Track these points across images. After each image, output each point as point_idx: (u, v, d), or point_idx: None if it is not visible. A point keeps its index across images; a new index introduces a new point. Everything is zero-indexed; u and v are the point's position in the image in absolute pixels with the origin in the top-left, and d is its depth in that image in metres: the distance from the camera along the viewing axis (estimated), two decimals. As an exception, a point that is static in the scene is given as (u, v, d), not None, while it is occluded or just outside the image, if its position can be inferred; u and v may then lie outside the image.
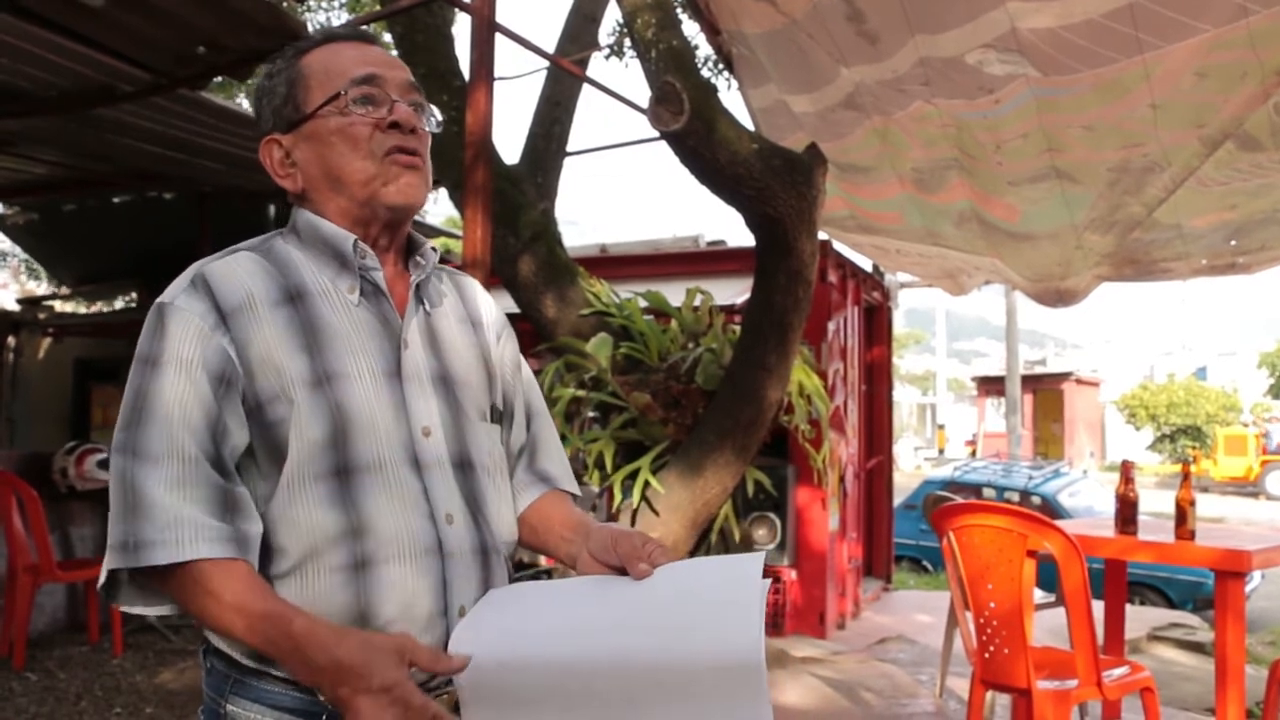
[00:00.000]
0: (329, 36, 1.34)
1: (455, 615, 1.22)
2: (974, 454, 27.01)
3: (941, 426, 36.60)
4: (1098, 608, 3.64)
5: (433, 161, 1.34)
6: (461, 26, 7.32)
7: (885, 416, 8.04)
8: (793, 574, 6.12)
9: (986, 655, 3.32)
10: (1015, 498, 9.36)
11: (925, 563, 10.00)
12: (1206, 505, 16.15)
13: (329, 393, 1.20)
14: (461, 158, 3.48)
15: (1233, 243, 4.83)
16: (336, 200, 1.29)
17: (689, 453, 4.02)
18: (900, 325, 22.58)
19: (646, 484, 4.03)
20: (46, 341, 8.69)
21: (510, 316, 1.56)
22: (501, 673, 1.10)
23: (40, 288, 14.45)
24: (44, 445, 6.61)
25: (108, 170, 6.17)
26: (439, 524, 1.24)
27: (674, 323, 4.70)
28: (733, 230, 6.83)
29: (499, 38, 3.60)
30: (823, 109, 4.22)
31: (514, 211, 4.65)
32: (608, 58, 8.41)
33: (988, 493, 9.61)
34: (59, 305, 10.17)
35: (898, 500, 8.92)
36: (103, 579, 1.17)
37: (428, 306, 1.35)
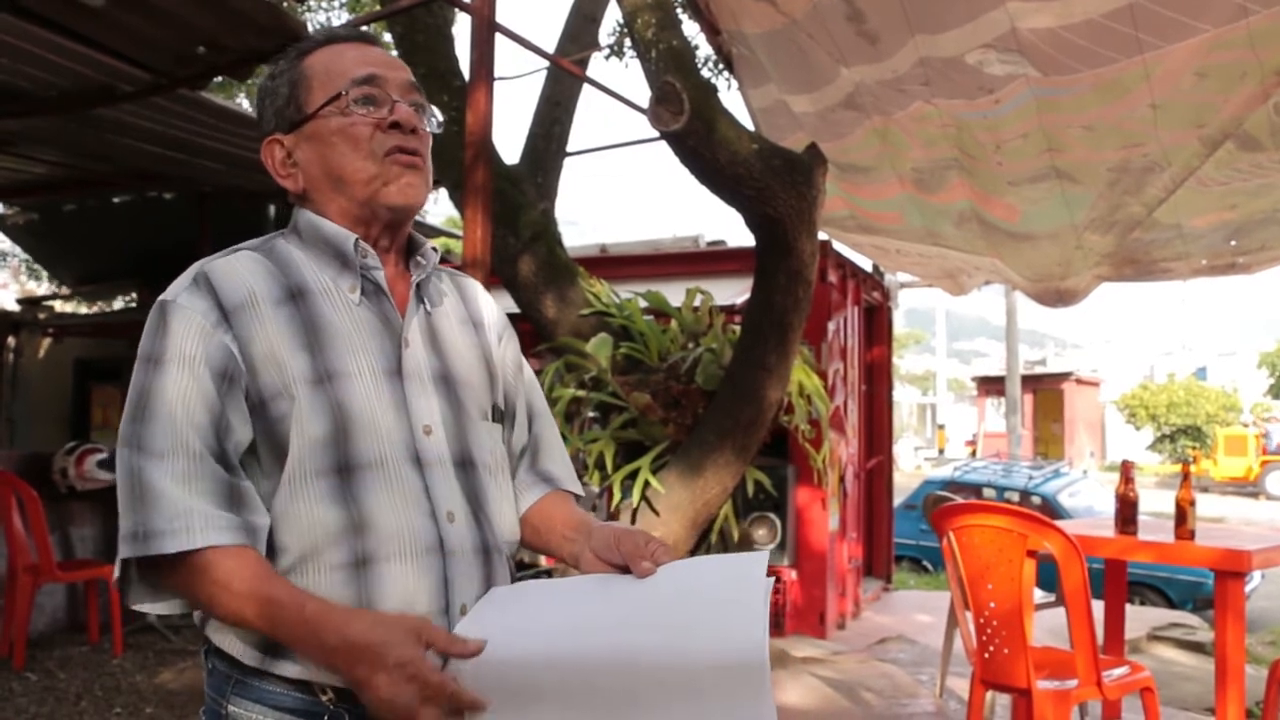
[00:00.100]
0: (331, 38, 1.35)
1: (456, 614, 1.22)
2: (974, 454, 27.02)
3: (941, 426, 36.60)
4: (1098, 608, 3.64)
5: (433, 161, 1.35)
6: (461, 26, 7.32)
7: (885, 416, 8.04)
8: (793, 574, 6.12)
9: (986, 655, 3.32)
10: (1015, 498, 9.36)
11: (925, 563, 10.00)
12: (1206, 505, 16.15)
13: (330, 390, 1.21)
14: (461, 158, 3.48)
15: (1233, 243, 4.83)
16: (337, 200, 1.30)
17: (689, 453, 4.02)
18: (900, 325, 22.58)
19: (646, 484, 4.03)
20: (46, 342, 8.69)
21: (510, 317, 1.57)
22: (504, 671, 1.10)
23: (40, 288, 14.45)
24: (44, 445, 6.61)
25: (108, 170, 6.17)
26: (440, 522, 1.24)
27: (674, 323, 4.70)
28: (733, 230, 6.83)
29: (499, 38, 3.60)
30: (823, 109, 4.22)
31: (514, 211, 4.65)
32: (608, 58, 8.41)
33: (988, 493, 9.62)
34: (59, 305, 10.17)
35: (898, 500, 8.92)
36: (118, 571, 1.17)
37: (428, 306, 1.35)
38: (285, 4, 6.07)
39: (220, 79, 4.48)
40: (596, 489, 4.32)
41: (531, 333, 4.56)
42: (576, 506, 1.44)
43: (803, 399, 4.70)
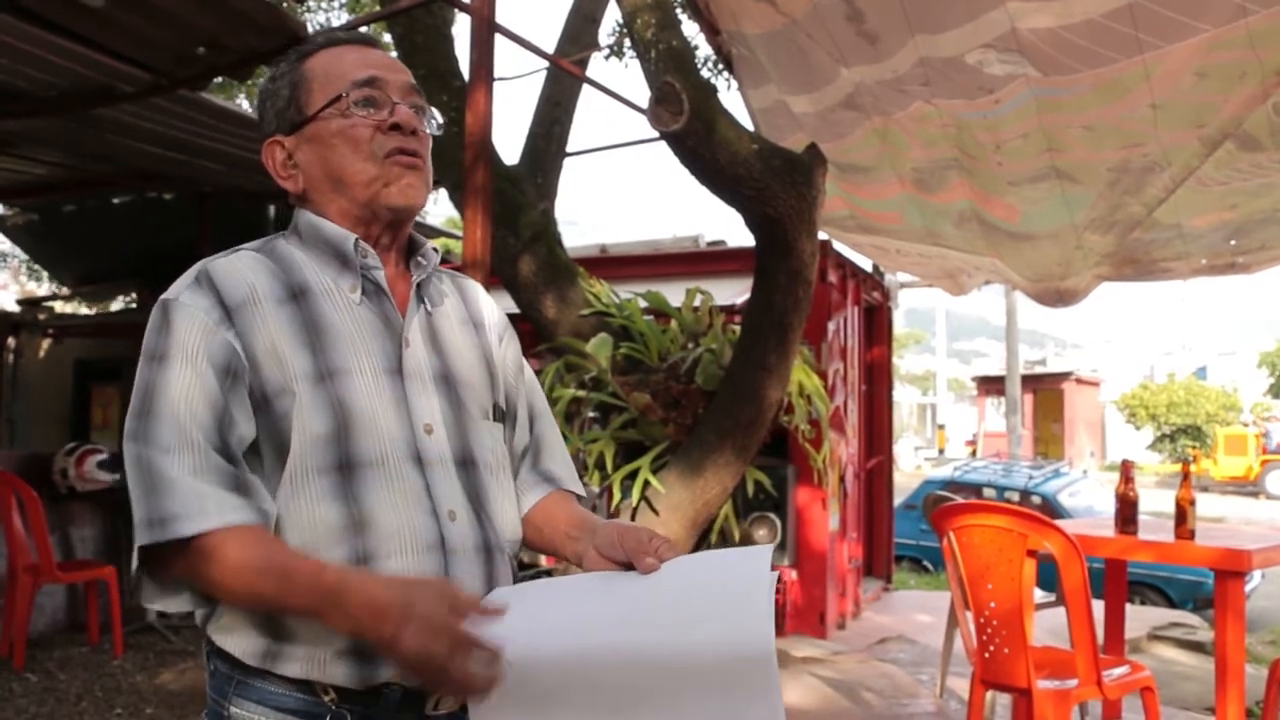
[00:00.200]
0: (331, 40, 1.35)
1: None
2: (974, 454, 27.01)
3: (941, 426, 36.60)
4: (1098, 607, 3.64)
5: (433, 162, 1.35)
6: (461, 27, 7.32)
7: (885, 416, 8.05)
8: (793, 574, 6.12)
9: (987, 655, 3.32)
10: (1015, 498, 9.36)
11: (925, 563, 10.00)
12: (1206, 505, 16.15)
13: (330, 388, 1.21)
14: (461, 158, 3.48)
15: (1232, 242, 4.83)
16: (338, 201, 1.30)
17: (689, 453, 4.02)
18: (900, 325, 22.57)
19: (646, 484, 4.03)
20: (47, 342, 8.69)
21: (510, 317, 1.57)
22: (511, 670, 1.10)
23: (40, 288, 14.45)
24: (44, 446, 6.61)
25: (108, 171, 6.17)
26: (441, 520, 1.24)
27: (674, 323, 4.70)
28: (732, 230, 6.84)
29: (499, 38, 3.60)
30: (823, 109, 4.22)
31: (514, 212, 4.65)
32: (607, 58, 8.41)
33: (988, 493, 9.62)
34: (59, 306, 10.17)
35: (898, 500, 8.92)
36: (136, 562, 1.16)
37: (429, 306, 1.36)
38: (285, 4, 6.08)
39: (220, 79, 4.48)
40: (596, 489, 4.32)
41: (531, 333, 4.57)
42: (579, 505, 1.44)
43: (803, 399, 4.70)
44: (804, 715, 4.46)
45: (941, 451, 33.63)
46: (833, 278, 6.44)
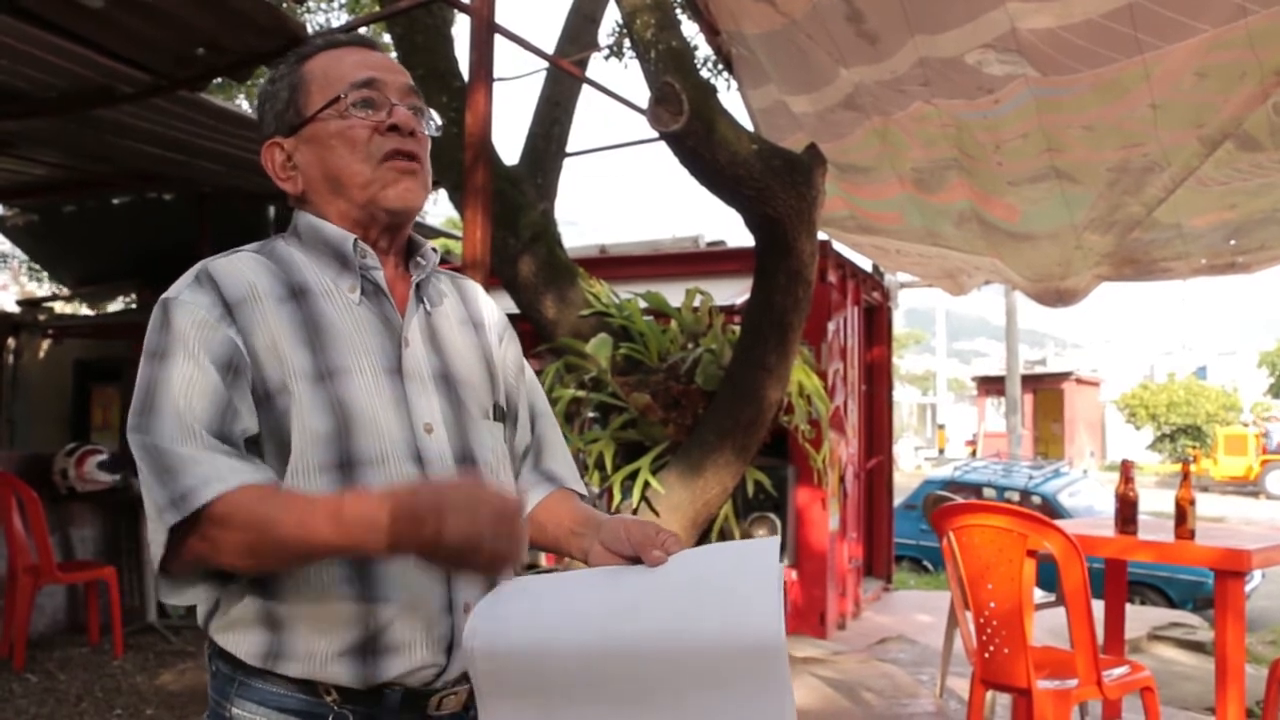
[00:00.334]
0: (331, 42, 1.36)
1: (460, 611, 1.22)
2: (974, 454, 27.00)
3: (941, 426, 36.60)
4: (1098, 607, 3.64)
5: (432, 163, 1.35)
6: (461, 27, 7.32)
7: (885, 416, 8.05)
8: (793, 574, 6.12)
9: (987, 655, 3.32)
10: (1015, 497, 9.36)
11: (925, 563, 10.00)
12: (1207, 505, 16.14)
13: (330, 388, 1.21)
14: (461, 159, 3.48)
15: (1232, 242, 4.83)
16: (336, 203, 1.30)
17: (689, 453, 4.02)
18: (900, 325, 22.56)
19: (646, 484, 4.03)
20: (46, 343, 8.69)
21: (510, 317, 1.57)
22: (517, 662, 1.10)
23: (40, 289, 14.45)
24: (44, 446, 6.61)
25: (107, 171, 6.17)
26: None
27: (674, 323, 4.70)
28: (732, 230, 6.83)
29: (498, 38, 3.60)
30: (822, 109, 4.22)
31: (514, 212, 4.65)
32: (607, 58, 8.41)
33: (988, 493, 9.62)
34: (59, 307, 10.16)
35: (898, 500, 8.92)
36: (162, 551, 1.14)
37: (428, 306, 1.36)
38: (285, 5, 6.08)
39: (220, 80, 4.48)
40: (597, 490, 4.32)
41: (531, 333, 4.57)
42: (582, 503, 1.44)
43: (803, 399, 4.70)
44: (804, 715, 4.46)
45: (941, 451, 33.63)
46: (832, 278, 6.44)
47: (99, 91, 4.26)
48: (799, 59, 3.94)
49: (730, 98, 4.50)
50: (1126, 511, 3.90)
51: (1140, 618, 6.66)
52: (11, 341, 8.48)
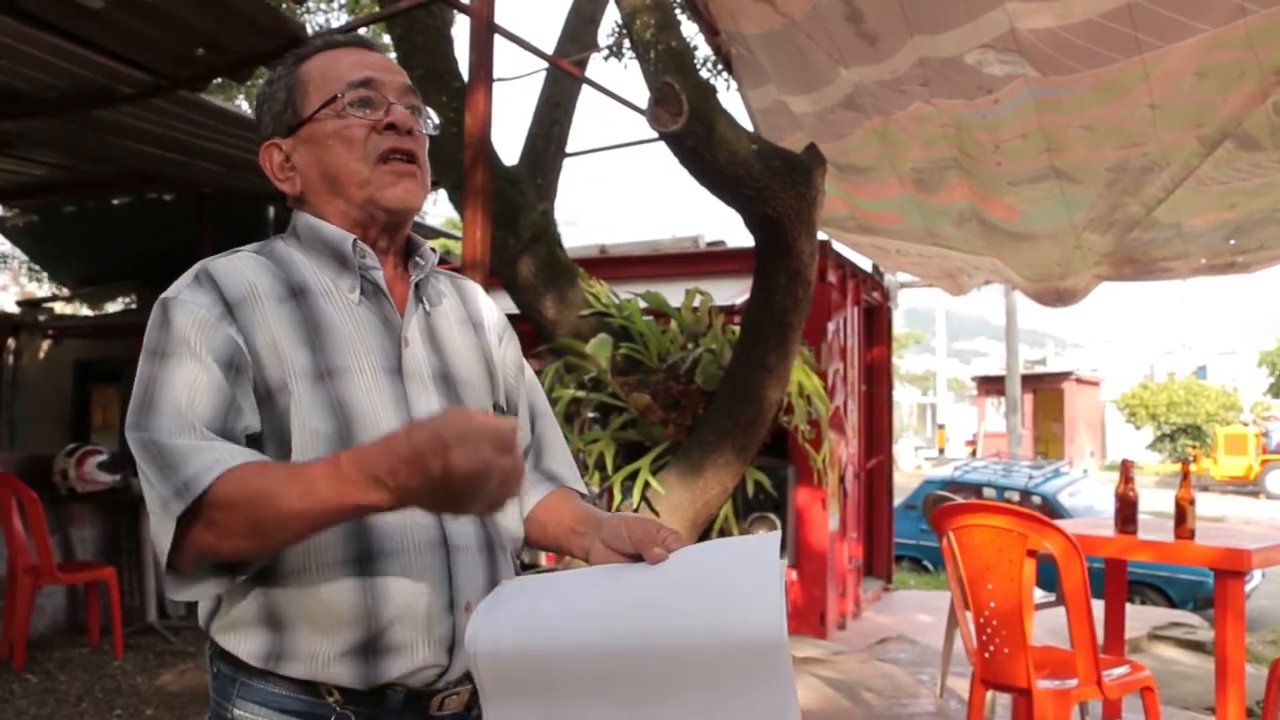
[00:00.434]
0: (328, 43, 1.36)
1: (461, 610, 1.22)
2: (974, 454, 27.01)
3: (941, 426, 36.60)
4: (1098, 607, 3.64)
5: (432, 163, 1.35)
6: (460, 28, 7.33)
7: (885, 416, 8.05)
8: (793, 574, 6.12)
9: (987, 655, 3.32)
10: (1015, 497, 9.36)
11: (925, 563, 10.00)
12: (1207, 504, 16.14)
13: (330, 387, 1.21)
14: (461, 159, 3.48)
15: (1232, 242, 4.84)
16: (335, 203, 1.30)
17: (689, 453, 4.02)
18: (900, 325, 22.55)
19: (646, 484, 4.03)
20: (46, 343, 8.69)
21: (510, 318, 1.57)
22: (519, 662, 1.10)
23: (40, 290, 14.45)
24: (44, 447, 6.61)
25: (107, 172, 6.17)
26: (443, 518, 1.24)
27: (674, 323, 4.70)
28: (732, 231, 6.83)
29: (498, 39, 3.60)
30: (822, 109, 4.22)
31: (513, 213, 4.65)
32: (607, 59, 8.41)
33: (988, 492, 9.62)
34: (59, 307, 10.16)
35: (898, 500, 8.92)
36: (169, 543, 1.12)
37: (427, 306, 1.36)
38: (284, 5, 6.08)
39: (220, 81, 4.48)
40: (597, 490, 4.32)
41: (531, 333, 4.57)
42: (582, 502, 1.44)
43: (802, 399, 4.70)
44: (804, 715, 4.44)
45: (941, 451, 33.63)
46: (832, 278, 6.44)
47: (99, 92, 4.26)
48: (799, 59, 3.94)
49: (730, 98, 4.51)
50: (1126, 511, 3.90)
51: (1140, 617, 6.66)
52: (11, 342, 8.48)
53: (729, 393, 3.97)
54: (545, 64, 5.78)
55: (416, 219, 1.38)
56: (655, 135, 3.54)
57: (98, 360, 8.43)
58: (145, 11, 3.47)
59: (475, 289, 1.49)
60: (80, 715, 4.42)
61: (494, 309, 1.49)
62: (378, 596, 1.18)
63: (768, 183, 3.49)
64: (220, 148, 5.35)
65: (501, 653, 1.11)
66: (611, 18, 7.71)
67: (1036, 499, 9.25)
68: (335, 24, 10.76)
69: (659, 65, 3.51)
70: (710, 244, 7.58)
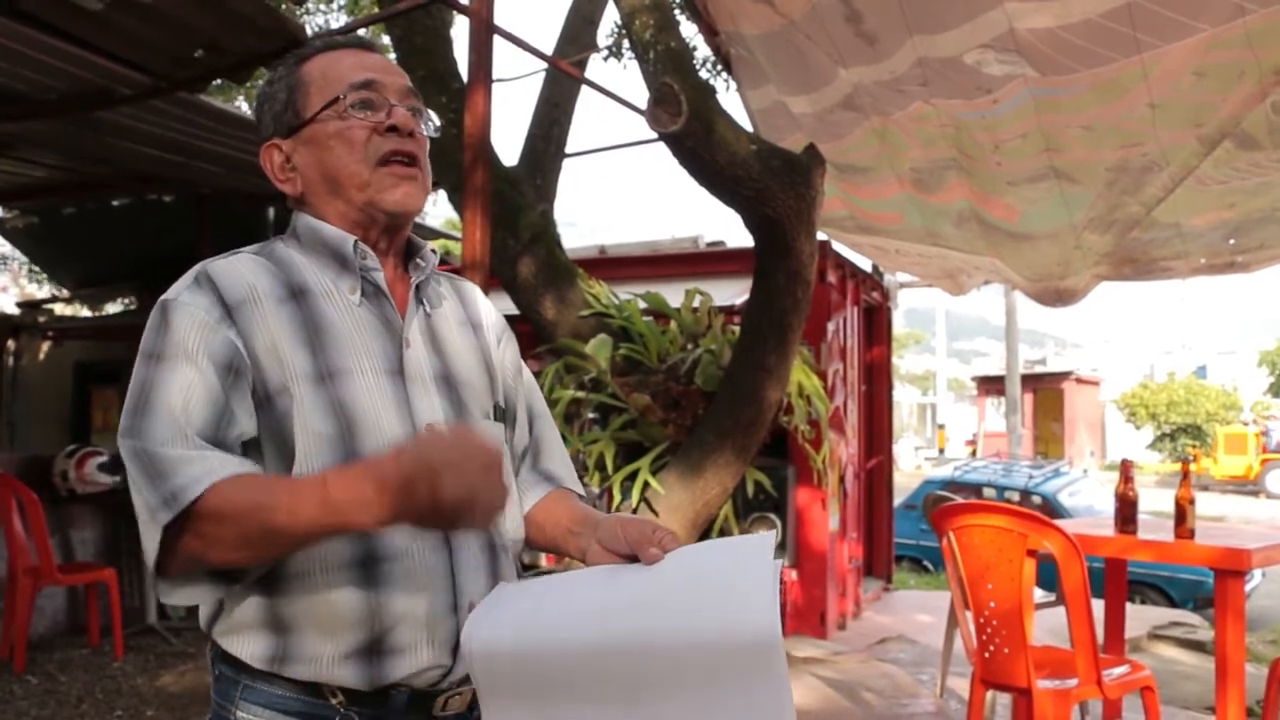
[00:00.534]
0: (329, 44, 1.35)
1: (464, 611, 1.22)
2: (974, 454, 27.01)
3: (941, 426, 36.59)
4: (1098, 607, 3.64)
5: (431, 164, 1.35)
6: (460, 29, 7.33)
7: (885, 416, 8.05)
8: (793, 574, 6.12)
9: (987, 655, 3.32)
10: (1015, 497, 9.36)
11: (926, 563, 10.00)
12: (1207, 504, 16.14)
13: (331, 389, 1.21)
14: (460, 160, 3.48)
15: (1231, 241, 4.84)
16: (335, 204, 1.30)
17: (689, 453, 4.02)
18: (900, 325, 22.55)
19: (646, 485, 4.04)
20: (46, 345, 8.70)
21: (509, 318, 1.57)
22: (517, 662, 1.10)
23: (40, 291, 14.44)
24: (44, 448, 6.61)
25: (107, 173, 6.17)
26: None
27: (673, 324, 4.71)
28: (732, 231, 6.83)
29: (497, 40, 3.60)
30: (821, 110, 4.22)
31: (513, 213, 4.65)
32: (606, 59, 8.42)
33: (988, 492, 9.62)
34: (59, 309, 10.17)
35: (898, 500, 8.92)
36: (156, 552, 1.12)
37: (428, 308, 1.36)
38: (284, 6, 6.08)
39: (219, 82, 4.48)
40: (597, 490, 4.32)
41: (531, 334, 4.57)
42: (580, 502, 1.44)
43: (802, 399, 4.70)
44: (804, 715, 4.46)
45: (941, 451, 33.62)
46: (832, 278, 6.44)
47: (98, 93, 4.26)
48: (798, 59, 3.94)
49: (729, 98, 4.52)
50: (1126, 511, 3.90)
51: (1140, 617, 6.66)
52: (11, 343, 8.48)
53: (729, 393, 3.98)
54: (544, 65, 5.78)
55: (416, 220, 1.38)
56: (655, 136, 3.54)
57: (98, 362, 8.44)
58: (144, 13, 3.46)
59: (474, 290, 1.49)
60: (81, 716, 4.42)
61: (492, 310, 1.50)
62: (381, 598, 1.18)
63: (767, 183, 3.49)
64: (220, 149, 5.35)
65: (498, 654, 1.11)
66: (611, 18, 7.72)
67: (1036, 499, 9.25)
68: (335, 25, 10.77)
69: (658, 66, 3.52)
70: (710, 244, 7.58)
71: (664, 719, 1.07)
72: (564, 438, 1.69)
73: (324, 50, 1.34)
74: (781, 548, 6.10)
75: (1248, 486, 23.43)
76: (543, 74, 6.94)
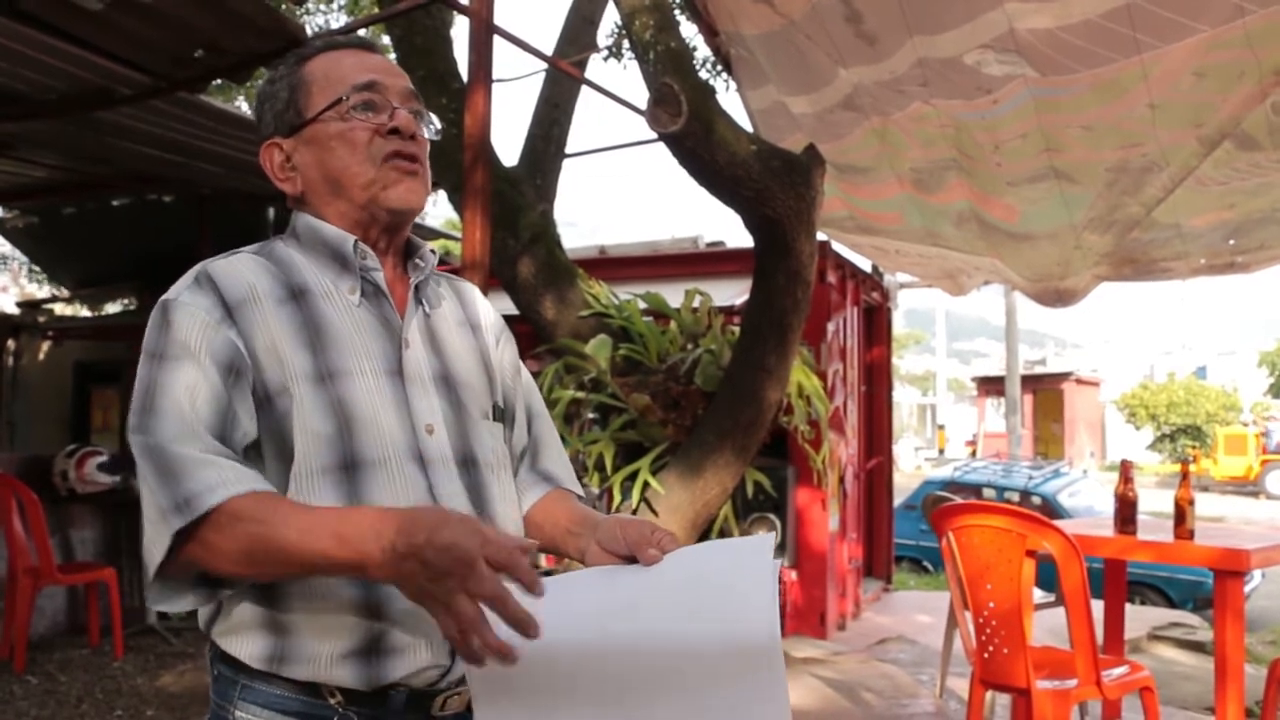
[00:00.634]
0: (331, 44, 1.35)
1: None
2: (974, 454, 27.01)
3: (941, 427, 36.59)
4: (1097, 607, 3.64)
5: (431, 164, 1.36)
6: (460, 29, 7.33)
7: (885, 417, 8.05)
8: (793, 574, 6.12)
9: (986, 655, 3.32)
10: (1015, 498, 9.36)
11: (925, 563, 10.00)
12: (1207, 504, 16.15)
13: (331, 389, 1.21)
14: (460, 160, 3.48)
15: (1231, 242, 4.84)
16: (336, 204, 1.30)
17: (688, 454, 4.02)
18: (900, 325, 22.56)
19: (646, 485, 4.04)
20: (46, 345, 8.70)
21: (509, 318, 1.57)
22: (516, 665, 1.10)
23: (40, 291, 14.44)
24: (44, 448, 6.61)
25: (107, 173, 6.17)
26: None
27: (673, 324, 4.71)
28: (731, 231, 6.84)
29: (497, 40, 3.60)
30: (821, 110, 4.22)
31: (513, 213, 4.65)
32: (606, 59, 8.42)
33: (988, 493, 9.62)
34: (59, 308, 10.17)
35: (898, 500, 8.92)
36: (163, 555, 1.11)
37: (427, 308, 1.36)
38: (284, 6, 6.08)
39: (219, 82, 4.48)
40: (596, 491, 4.32)
41: (531, 334, 4.57)
42: (579, 503, 1.44)
43: (802, 400, 4.70)
44: (804, 715, 4.46)
45: (941, 452, 33.62)
46: (832, 278, 6.44)
47: (98, 93, 4.26)
48: (798, 60, 3.95)
49: (729, 99, 4.52)
50: (1126, 511, 3.90)
51: (1140, 618, 6.66)
52: (12, 343, 8.48)
53: (728, 393, 3.98)
54: (544, 65, 5.78)
55: (416, 220, 1.38)
56: (655, 136, 3.54)
57: (98, 362, 8.44)
58: (144, 13, 3.46)
59: (473, 290, 1.49)
60: (81, 716, 4.42)
61: (491, 310, 1.50)
62: (380, 598, 1.18)
63: (767, 183, 3.49)
64: (220, 149, 5.35)
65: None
66: (611, 18, 7.72)
67: (1036, 499, 9.25)
68: (335, 25, 10.77)
69: (658, 66, 3.52)
70: (709, 244, 7.58)
71: None
72: (564, 438, 1.70)
73: (326, 50, 1.34)
74: (781, 548, 6.10)
75: (1247, 487, 23.43)
76: (543, 74, 6.94)
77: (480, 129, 3.40)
